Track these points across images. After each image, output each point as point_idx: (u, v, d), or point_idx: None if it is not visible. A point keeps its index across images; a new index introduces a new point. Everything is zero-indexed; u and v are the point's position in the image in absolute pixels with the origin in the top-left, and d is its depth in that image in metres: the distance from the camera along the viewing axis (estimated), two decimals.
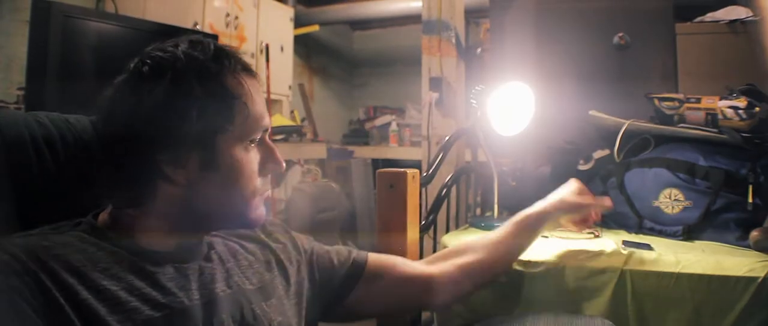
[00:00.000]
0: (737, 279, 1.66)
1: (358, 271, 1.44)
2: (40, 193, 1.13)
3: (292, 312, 1.26)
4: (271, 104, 5.00)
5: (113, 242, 1.01)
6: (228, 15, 4.67)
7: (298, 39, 6.03)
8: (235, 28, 4.75)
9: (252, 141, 1.09)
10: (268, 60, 4.96)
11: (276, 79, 5.07)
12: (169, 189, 1.04)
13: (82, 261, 0.93)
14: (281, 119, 5.37)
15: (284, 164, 1.16)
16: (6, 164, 1.08)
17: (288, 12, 5.74)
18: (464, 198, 2.72)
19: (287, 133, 5.36)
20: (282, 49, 5.42)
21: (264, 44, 5.01)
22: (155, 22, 3.22)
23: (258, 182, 1.11)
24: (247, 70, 1.11)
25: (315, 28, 6.45)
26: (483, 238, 1.65)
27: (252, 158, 1.09)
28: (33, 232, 0.97)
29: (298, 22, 6.06)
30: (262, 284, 1.21)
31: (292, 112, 6.02)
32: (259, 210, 1.13)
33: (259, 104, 1.09)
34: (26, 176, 1.10)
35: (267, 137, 1.15)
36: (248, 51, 4.90)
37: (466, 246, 1.63)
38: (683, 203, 2.14)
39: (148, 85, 1.00)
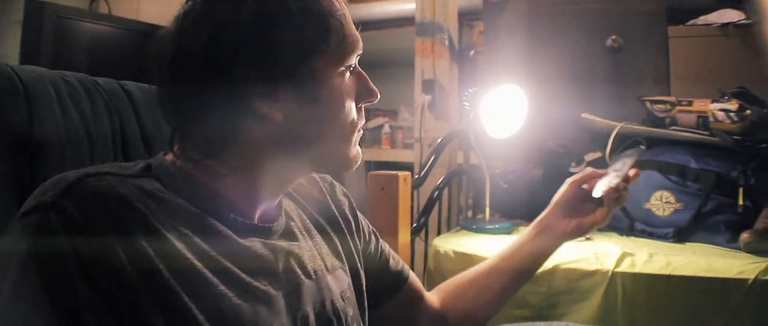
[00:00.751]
0: (728, 281, 1.67)
1: (399, 285, 1.27)
2: (63, 149, 1.01)
3: (356, 303, 1.09)
4: None
5: (193, 199, 0.83)
6: None
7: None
8: None
9: (348, 67, 0.92)
10: None
11: None
12: (257, 131, 0.86)
13: (163, 222, 0.77)
14: None
15: (379, 94, 0.98)
16: (30, 120, 0.97)
17: None
18: (456, 201, 2.72)
19: None
20: None
21: None
22: (149, 23, 3.20)
23: (358, 115, 0.95)
24: None
25: None
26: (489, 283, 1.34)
27: (350, 85, 0.93)
28: (106, 169, 0.80)
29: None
30: (334, 269, 1.04)
31: None
32: (357, 147, 0.97)
33: (352, 26, 0.93)
34: (52, 132, 1.03)
35: (358, 65, 0.98)
36: None
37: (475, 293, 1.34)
38: (674, 206, 2.15)
39: (230, 2, 0.82)
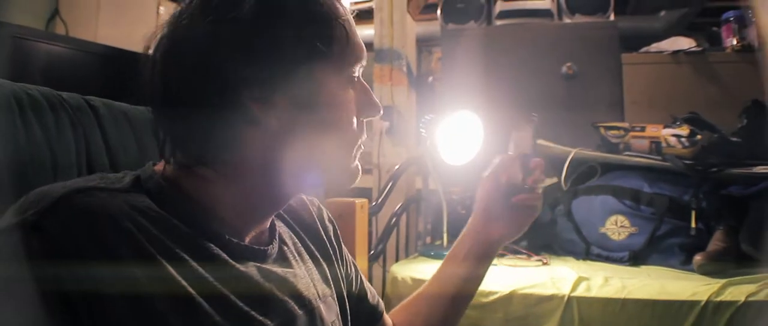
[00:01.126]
0: (681, 303, 1.69)
1: (375, 320, 1.18)
2: (25, 163, 0.94)
3: None
4: None
5: (186, 217, 0.76)
6: None
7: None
8: None
9: (350, 76, 0.86)
10: None
11: None
12: (252, 138, 0.80)
13: (157, 245, 0.70)
14: None
15: (381, 109, 0.93)
16: None
17: None
18: (414, 227, 2.71)
19: None
20: None
21: None
22: (107, 45, 3.16)
23: (358, 129, 0.88)
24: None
25: None
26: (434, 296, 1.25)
27: (351, 97, 0.86)
28: (94, 183, 0.73)
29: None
30: (325, 296, 0.97)
31: None
32: (357, 163, 0.90)
33: (357, 35, 0.87)
34: (13, 146, 0.98)
35: (361, 77, 0.91)
36: None
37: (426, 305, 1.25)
38: (629, 230, 2.18)
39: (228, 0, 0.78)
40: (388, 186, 2.41)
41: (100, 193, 0.70)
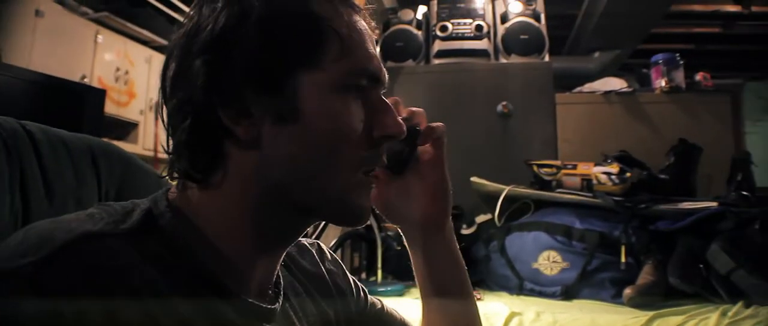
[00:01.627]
0: None
1: None
2: None
3: None
4: (158, 163, 4.85)
5: (196, 263, 0.69)
6: (118, 69, 4.53)
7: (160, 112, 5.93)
8: (125, 83, 4.61)
9: (352, 88, 0.74)
10: (157, 118, 4.84)
11: (164, 138, 4.91)
12: (233, 153, 0.72)
13: (167, 308, 0.63)
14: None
15: (403, 126, 0.79)
16: None
17: None
18: (349, 263, 2.69)
19: None
20: None
21: (154, 101, 4.88)
22: (41, 73, 3.09)
23: (363, 150, 0.75)
24: (351, 4, 0.79)
25: None
26: None
27: (353, 112, 0.74)
28: (101, 224, 0.65)
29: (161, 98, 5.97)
30: None
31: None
32: (365, 198, 0.78)
33: (365, 43, 0.77)
34: None
35: (380, 93, 0.79)
36: (137, 108, 4.76)
37: None
38: (561, 265, 2.20)
39: (196, 8, 0.74)
40: (323, 223, 2.39)
41: (109, 240, 0.62)
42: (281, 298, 0.82)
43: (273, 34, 0.70)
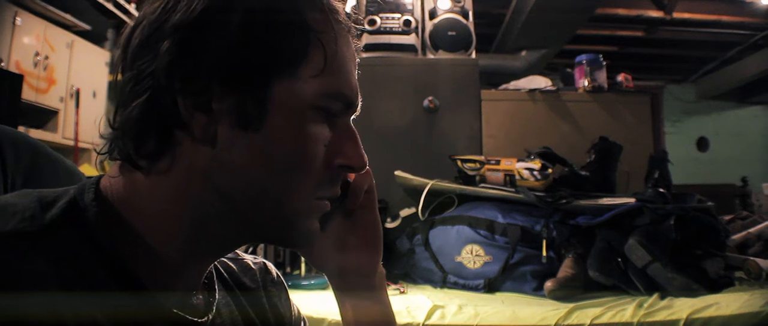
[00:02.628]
0: None
1: None
2: None
3: None
4: (79, 153, 4.68)
5: (117, 263, 0.63)
6: (37, 54, 4.31)
7: (114, 85, 5.74)
8: (45, 68, 4.38)
9: (325, 112, 0.70)
10: (77, 106, 4.67)
11: (86, 126, 4.75)
12: (183, 144, 0.66)
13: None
14: (90, 170, 5.04)
15: (366, 160, 0.75)
16: None
17: (104, 56, 5.36)
18: (272, 256, 2.65)
19: None
20: (95, 94, 5.10)
21: (75, 89, 4.70)
22: None
23: (320, 177, 0.71)
24: (345, 24, 0.74)
25: None
26: None
27: (319, 135, 0.70)
28: (15, 221, 0.59)
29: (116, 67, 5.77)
30: None
31: (102, 163, 5.70)
32: (315, 222, 0.74)
33: (348, 66, 0.73)
34: None
35: (349, 120, 0.75)
36: (57, 95, 4.56)
37: None
38: (484, 258, 2.21)
39: None
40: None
41: (16, 242, 0.57)
42: (212, 314, 0.76)
43: (256, 31, 0.65)
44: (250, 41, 0.64)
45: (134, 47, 0.66)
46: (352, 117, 0.76)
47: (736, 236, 2.48)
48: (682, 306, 1.78)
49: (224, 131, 0.65)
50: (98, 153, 0.70)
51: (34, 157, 1.17)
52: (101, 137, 0.71)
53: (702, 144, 8.64)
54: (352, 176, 0.85)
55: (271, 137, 0.66)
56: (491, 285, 2.19)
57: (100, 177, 0.71)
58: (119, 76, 0.68)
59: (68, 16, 4.59)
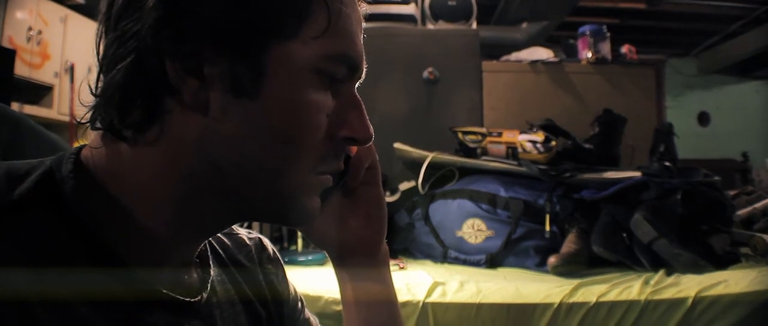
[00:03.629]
0: (535, 307, 1.68)
1: None
2: None
3: None
4: (74, 128, 4.62)
5: (85, 240, 0.57)
6: (30, 29, 4.23)
7: (97, 49, 5.67)
8: (38, 43, 4.30)
9: (328, 77, 0.63)
10: (72, 81, 4.60)
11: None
12: (173, 112, 0.59)
13: (43, 297, 0.51)
14: None
15: (372, 132, 0.68)
16: None
17: None
18: (269, 232, 2.61)
19: None
20: (90, 70, 5.03)
21: (69, 64, 4.64)
22: None
23: (323, 149, 0.65)
24: None
25: None
26: None
27: (322, 103, 0.63)
28: None
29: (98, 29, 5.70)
30: None
31: (84, 133, 5.64)
32: (315, 199, 0.68)
33: (353, 27, 0.65)
34: None
35: (354, 88, 0.68)
36: (51, 70, 4.50)
37: None
38: (486, 233, 2.17)
39: None
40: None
41: None
42: (207, 292, 0.71)
43: None
44: (251, 4, 0.58)
45: (118, 5, 0.59)
46: (357, 84, 0.69)
47: (741, 212, 2.43)
48: (690, 284, 1.74)
49: (217, 98, 0.59)
50: (77, 123, 0.64)
51: (15, 130, 1.13)
52: (81, 103, 0.63)
53: (703, 119, 8.58)
54: (353, 150, 0.78)
55: (269, 105, 0.59)
56: (493, 261, 2.14)
57: (80, 148, 0.64)
58: (102, 41, 0.62)
59: None
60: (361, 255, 0.85)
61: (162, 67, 0.57)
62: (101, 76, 0.61)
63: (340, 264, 0.86)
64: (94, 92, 0.62)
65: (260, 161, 0.61)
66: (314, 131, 0.63)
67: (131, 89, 0.58)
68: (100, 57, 0.62)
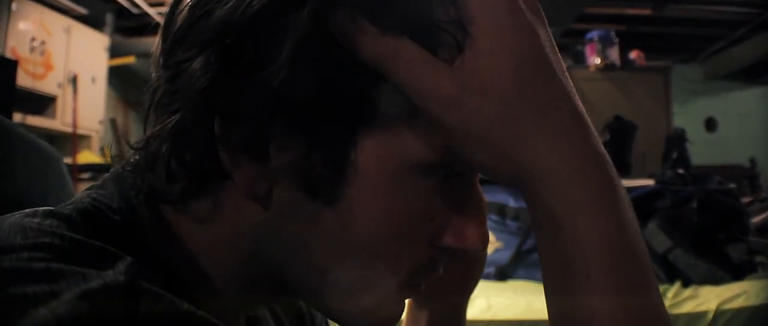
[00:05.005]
0: (547, 323, 1.63)
1: None
2: None
3: None
4: (78, 139, 4.60)
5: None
6: (33, 39, 4.20)
7: (113, 70, 5.62)
8: (42, 54, 4.27)
9: (440, 171, 0.44)
10: (75, 91, 4.58)
11: (85, 112, 4.65)
12: (233, 201, 0.45)
13: None
14: (90, 156, 4.93)
15: (486, 245, 0.50)
16: None
17: (103, 41, 5.27)
18: None
19: (96, 171, 4.93)
20: (94, 80, 4.99)
21: (73, 74, 4.62)
22: None
23: (422, 259, 0.47)
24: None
25: (131, 59, 6.04)
26: None
27: (427, 210, 0.45)
28: (64, 284, 0.33)
29: (115, 52, 5.62)
30: None
31: (102, 149, 5.59)
32: (400, 308, 0.50)
33: None
34: None
35: (477, 183, 0.50)
36: (54, 81, 4.46)
37: None
38: (495, 245, 2.12)
39: None
40: None
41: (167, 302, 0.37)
42: None
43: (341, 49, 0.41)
44: (353, 75, 0.42)
45: (174, 34, 0.45)
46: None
47: (756, 219, 2.38)
48: (709, 296, 1.69)
49: (283, 193, 0.44)
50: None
51: (4, 139, 1.09)
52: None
53: (710, 125, 8.54)
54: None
55: (354, 214, 0.43)
56: (502, 273, 2.09)
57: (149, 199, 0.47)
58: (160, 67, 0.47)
59: (64, 1, 4.51)
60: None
61: (212, 141, 0.43)
62: (148, 119, 0.47)
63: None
64: (129, 144, 0.49)
65: (332, 275, 0.46)
66: (410, 245, 0.46)
67: (174, 151, 0.44)
68: (153, 90, 0.47)
